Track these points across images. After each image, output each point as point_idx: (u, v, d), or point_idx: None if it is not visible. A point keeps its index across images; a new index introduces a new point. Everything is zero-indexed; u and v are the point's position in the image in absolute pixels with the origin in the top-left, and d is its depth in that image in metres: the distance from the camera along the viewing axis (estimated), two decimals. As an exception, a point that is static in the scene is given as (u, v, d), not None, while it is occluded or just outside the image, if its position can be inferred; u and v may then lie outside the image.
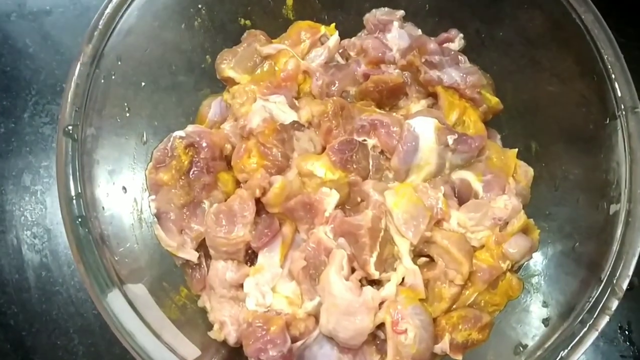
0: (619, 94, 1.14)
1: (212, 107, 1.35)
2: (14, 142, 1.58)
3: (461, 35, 1.37)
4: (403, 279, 1.16)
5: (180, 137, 1.21)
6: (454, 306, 1.19)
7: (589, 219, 1.18)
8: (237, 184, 1.26)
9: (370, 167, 1.25)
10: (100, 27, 1.12)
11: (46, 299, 1.47)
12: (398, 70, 1.34)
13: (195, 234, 1.21)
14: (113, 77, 1.15)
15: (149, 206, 1.20)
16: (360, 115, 1.27)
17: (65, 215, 1.04)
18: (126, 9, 1.15)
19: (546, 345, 1.08)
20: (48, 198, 1.54)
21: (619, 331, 1.41)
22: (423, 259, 1.22)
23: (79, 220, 1.04)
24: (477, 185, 1.25)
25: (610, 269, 1.06)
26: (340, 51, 1.41)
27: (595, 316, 1.04)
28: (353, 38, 1.41)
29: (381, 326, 1.13)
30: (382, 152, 1.26)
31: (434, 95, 1.32)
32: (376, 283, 1.17)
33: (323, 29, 1.38)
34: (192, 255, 1.20)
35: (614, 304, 1.03)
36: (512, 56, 1.35)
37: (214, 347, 1.17)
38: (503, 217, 1.20)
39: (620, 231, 1.09)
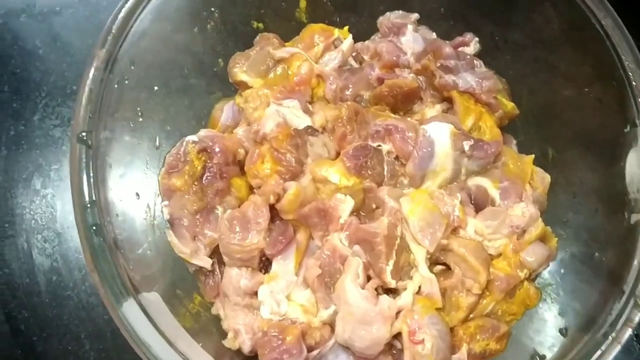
0: (640, 101, 1.12)
1: (225, 111, 1.34)
2: (24, 144, 1.56)
3: (476, 39, 1.35)
4: (419, 287, 1.14)
5: (193, 142, 1.20)
6: (471, 315, 1.18)
7: (609, 228, 1.17)
8: (251, 189, 1.24)
9: (385, 173, 1.24)
10: (113, 31, 1.11)
11: (57, 304, 1.46)
12: (413, 74, 1.32)
13: (209, 240, 1.20)
14: (126, 81, 1.13)
15: (162, 212, 1.18)
16: (374, 120, 1.26)
17: (80, 224, 1.02)
18: (140, 13, 1.13)
19: (567, 358, 1.06)
20: (58, 201, 1.53)
21: (635, 339, 1.39)
22: (439, 267, 1.21)
23: (94, 228, 1.02)
24: (494, 192, 1.24)
25: (633, 281, 1.04)
26: (353, 54, 1.39)
27: (618, 329, 1.02)
28: (367, 41, 1.40)
29: (397, 336, 1.12)
30: (396, 157, 1.25)
31: (448, 100, 1.30)
32: (392, 291, 1.15)
33: (337, 32, 1.36)
34: (206, 262, 1.19)
35: (637, 316, 1.02)
36: (528, 60, 1.33)
37: (228, 356, 1.16)
38: (521, 225, 1.18)
39: (642, 242, 1.07)
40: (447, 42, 1.32)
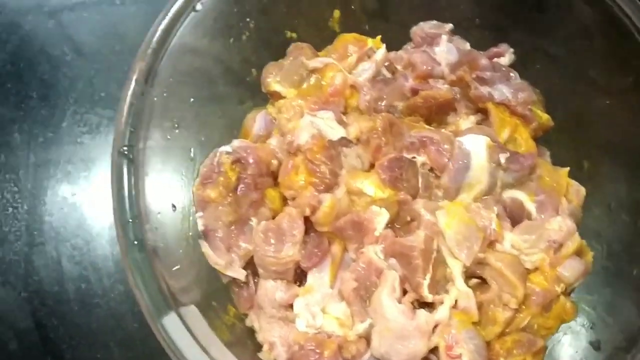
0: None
1: (257, 121, 1.33)
2: (52, 151, 1.57)
3: (511, 50, 1.34)
4: (456, 301, 1.14)
5: (227, 153, 1.20)
6: (507, 330, 1.17)
7: (648, 243, 1.16)
8: (284, 200, 1.24)
9: (420, 185, 1.23)
10: (154, 44, 1.10)
11: (86, 312, 1.46)
12: (447, 85, 1.31)
13: (244, 252, 1.19)
14: (165, 94, 1.13)
15: (197, 223, 1.18)
16: (409, 131, 1.25)
17: (122, 239, 1.02)
18: (179, 26, 1.13)
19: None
20: (87, 209, 1.53)
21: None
22: (474, 280, 1.20)
23: (136, 243, 1.02)
24: (530, 206, 1.23)
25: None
26: (385, 64, 1.38)
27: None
28: (400, 51, 1.38)
29: (434, 350, 1.11)
30: (431, 169, 1.24)
31: (482, 111, 1.30)
32: (427, 305, 1.15)
33: (370, 42, 1.35)
34: (240, 274, 1.19)
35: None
36: (562, 71, 1.32)
37: (264, 369, 1.16)
38: (558, 240, 1.17)
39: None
40: (482, 53, 1.31)
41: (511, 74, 1.31)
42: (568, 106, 1.33)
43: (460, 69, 1.28)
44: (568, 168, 1.28)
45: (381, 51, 1.35)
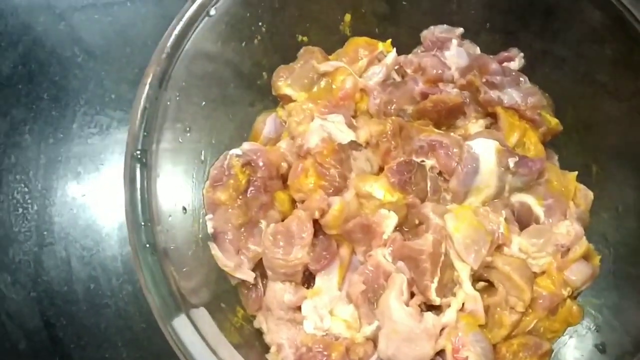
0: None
1: (267, 124, 1.34)
2: (62, 152, 1.58)
3: (521, 54, 1.35)
4: (463, 304, 1.14)
5: (237, 156, 1.20)
6: (514, 333, 1.17)
7: (654, 246, 1.16)
8: (293, 203, 1.24)
9: (428, 188, 1.23)
10: (168, 49, 1.11)
11: (95, 312, 1.47)
12: (457, 89, 1.32)
13: (253, 254, 1.20)
14: (177, 98, 1.14)
15: (207, 226, 1.19)
16: (418, 135, 1.26)
17: (135, 243, 1.03)
18: (194, 31, 1.14)
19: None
20: (97, 209, 1.53)
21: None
22: (482, 284, 1.20)
23: (148, 246, 1.03)
24: (538, 210, 1.23)
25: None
26: (395, 68, 1.38)
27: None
28: (410, 55, 1.39)
29: (440, 352, 1.11)
30: (440, 173, 1.24)
31: (491, 115, 1.30)
32: (434, 308, 1.15)
33: (380, 45, 1.36)
34: (249, 276, 1.19)
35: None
36: (570, 74, 1.32)
37: (272, 370, 1.17)
38: (566, 244, 1.18)
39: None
40: (492, 57, 1.32)
41: (521, 79, 1.31)
42: (577, 110, 1.33)
43: (470, 73, 1.29)
44: (576, 172, 1.28)
45: (391, 55, 1.36)
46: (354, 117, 1.30)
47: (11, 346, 1.45)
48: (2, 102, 1.63)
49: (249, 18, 1.25)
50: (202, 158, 1.23)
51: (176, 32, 1.12)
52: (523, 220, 1.24)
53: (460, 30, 1.37)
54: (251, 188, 1.21)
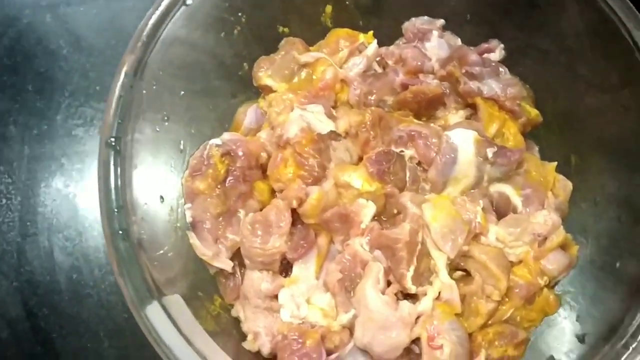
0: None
1: (248, 115, 1.34)
2: (46, 144, 1.58)
3: (502, 45, 1.35)
4: (439, 293, 1.15)
5: (217, 146, 1.20)
6: (490, 322, 1.17)
7: (630, 236, 1.17)
8: (273, 193, 1.24)
9: (407, 178, 1.24)
10: (144, 37, 1.11)
11: (77, 302, 1.47)
12: (437, 80, 1.32)
13: (231, 243, 1.20)
14: (154, 87, 1.14)
15: (185, 215, 1.19)
16: (398, 125, 1.26)
17: (107, 229, 1.03)
18: (170, 20, 1.14)
19: (586, 367, 1.06)
20: (80, 201, 1.54)
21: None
22: (459, 273, 1.21)
23: (120, 232, 1.03)
24: (516, 200, 1.23)
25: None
26: (377, 59, 1.39)
27: (639, 340, 1.02)
28: (391, 46, 1.39)
29: (416, 340, 1.12)
30: (419, 163, 1.25)
31: (472, 106, 1.30)
32: (411, 297, 1.15)
33: (362, 37, 1.36)
34: (227, 265, 1.20)
35: (660, 327, 1.02)
36: (551, 66, 1.32)
37: (248, 358, 1.17)
38: (543, 233, 1.18)
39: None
40: (472, 48, 1.32)
41: (501, 69, 1.31)
42: (557, 102, 1.34)
43: (450, 64, 1.29)
44: (555, 163, 1.28)
45: (372, 46, 1.36)
46: (334, 107, 1.31)
47: (-7, 335, 1.46)
48: (-13, 94, 1.63)
49: (227, 8, 1.26)
50: (181, 148, 1.23)
51: (152, 20, 1.13)
52: (501, 210, 1.24)
53: (441, 21, 1.38)
54: (230, 178, 1.21)
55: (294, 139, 1.18)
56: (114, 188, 1.06)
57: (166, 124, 1.19)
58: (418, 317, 1.12)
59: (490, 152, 1.19)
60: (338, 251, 1.20)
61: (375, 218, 1.20)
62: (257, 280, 1.18)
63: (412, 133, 1.24)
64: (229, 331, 1.19)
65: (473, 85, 1.26)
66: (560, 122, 1.34)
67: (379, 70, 1.39)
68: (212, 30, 1.26)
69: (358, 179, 1.18)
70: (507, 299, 1.18)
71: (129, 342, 1.43)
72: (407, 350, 1.13)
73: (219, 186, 1.20)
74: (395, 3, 1.42)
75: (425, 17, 1.39)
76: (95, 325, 1.45)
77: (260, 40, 1.35)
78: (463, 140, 1.20)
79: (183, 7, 1.16)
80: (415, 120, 1.29)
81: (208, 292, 1.21)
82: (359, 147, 1.24)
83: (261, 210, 1.21)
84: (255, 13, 1.31)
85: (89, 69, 1.64)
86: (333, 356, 1.12)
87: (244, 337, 1.19)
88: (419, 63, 1.33)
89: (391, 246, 1.13)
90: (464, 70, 1.27)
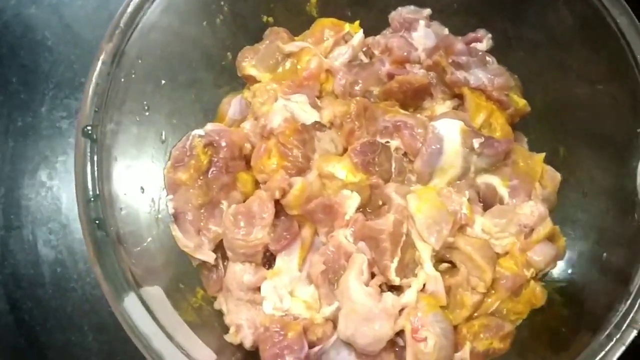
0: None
1: (232, 105, 1.33)
2: (31, 135, 1.56)
3: (489, 35, 1.33)
4: (424, 285, 1.13)
5: (200, 136, 1.19)
6: (476, 314, 1.16)
7: (619, 228, 1.15)
8: (257, 184, 1.23)
9: (393, 169, 1.23)
10: (121, 25, 1.10)
11: (61, 296, 1.46)
12: (423, 70, 1.30)
13: (213, 235, 1.19)
14: (133, 75, 1.13)
15: (167, 206, 1.18)
16: (383, 116, 1.25)
17: (83, 217, 1.02)
18: (148, 7, 1.12)
19: (571, 358, 1.05)
20: (64, 193, 1.52)
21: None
22: (445, 265, 1.19)
23: (97, 222, 1.02)
24: (503, 191, 1.22)
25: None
26: (364, 49, 1.37)
27: (622, 330, 1.00)
28: (377, 36, 1.38)
29: (400, 332, 1.10)
30: (405, 154, 1.24)
31: (459, 97, 1.29)
32: (396, 289, 1.14)
33: (347, 26, 1.35)
34: (209, 257, 1.18)
35: (643, 318, 1.00)
36: (541, 57, 1.31)
37: (230, 351, 1.16)
38: (529, 224, 1.17)
39: (652, 243, 1.06)
40: (459, 37, 1.31)
41: (488, 59, 1.30)
42: (547, 93, 1.33)
43: (437, 53, 1.27)
44: (544, 154, 1.27)
45: (358, 36, 1.35)
46: (320, 97, 1.29)
47: (-23, 329, 1.45)
48: (-29, 86, 1.62)
49: (208, -3, 1.25)
50: (163, 138, 1.22)
51: (130, 8, 1.11)
52: (488, 201, 1.23)
53: (428, 11, 1.37)
54: (212, 168, 1.20)
55: (278, 129, 1.17)
56: (90, 176, 1.04)
57: (147, 113, 1.18)
58: (402, 309, 1.11)
59: (476, 142, 1.18)
60: (322, 243, 1.19)
61: (361, 210, 1.18)
62: (240, 273, 1.17)
63: (398, 123, 1.23)
64: (212, 324, 1.18)
65: (460, 75, 1.25)
66: (549, 113, 1.33)
67: (366, 60, 1.37)
68: (193, 18, 1.24)
69: (342, 169, 1.17)
70: (492, 291, 1.16)
71: (112, 336, 1.42)
72: (392, 343, 1.12)
73: (201, 177, 1.19)
74: (383, -7, 1.40)
75: (412, 7, 1.37)
76: (79, 318, 1.44)
77: (244, 29, 1.33)
78: (449, 131, 1.19)
79: (162, -5, 1.14)
80: (401, 111, 1.28)
81: (190, 284, 1.20)
82: (344, 138, 1.23)
83: (244, 201, 1.20)
84: (239, 2, 1.29)
85: (74, 60, 1.63)
86: (316, 348, 1.11)
87: (227, 329, 1.18)
88: (405, 53, 1.31)
89: (375, 237, 1.12)
90: (450, 60, 1.26)
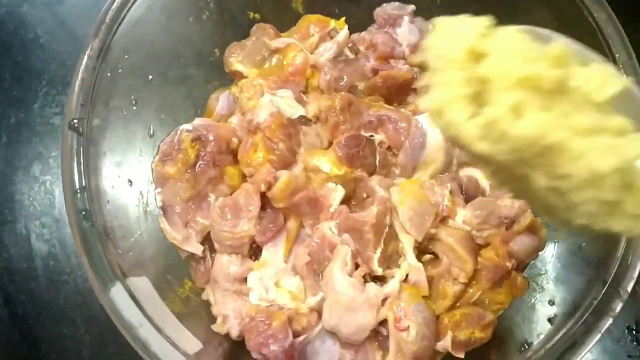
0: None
1: (220, 101, 1.35)
2: (24, 132, 1.58)
3: (472, 31, 1.35)
4: (407, 275, 1.16)
5: (187, 131, 1.21)
6: (458, 304, 1.18)
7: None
8: (244, 178, 1.25)
9: (377, 162, 1.25)
10: (107, 21, 1.12)
11: (54, 289, 1.47)
12: (407, 65, 1.32)
13: (201, 227, 1.21)
14: (120, 70, 1.14)
15: (155, 199, 1.20)
16: (368, 110, 1.27)
17: (70, 209, 1.04)
18: (134, 2, 1.14)
19: (548, 345, 1.07)
20: (57, 188, 1.54)
21: (626, 331, 1.39)
22: (427, 256, 1.21)
23: (83, 213, 1.04)
24: (485, 183, 1.24)
25: (615, 271, 1.05)
26: (349, 45, 1.39)
27: (598, 317, 1.03)
28: (363, 32, 1.39)
29: (384, 322, 1.13)
30: (389, 147, 1.26)
31: (442, 91, 1.30)
32: (379, 279, 1.17)
33: (333, 22, 1.37)
34: (197, 249, 1.21)
35: (618, 306, 1.02)
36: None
37: (217, 341, 1.18)
38: (510, 216, 1.19)
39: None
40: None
41: (470, 55, 1.31)
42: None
43: (420, 49, 1.29)
44: (525, 148, 1.28)
45: (343, 32, 1.36)
46: (305, 93, 1.31)
47: (-29, 322, 1.46)
48: (-36, 83, 1.63)
49: (194, -7, 1.27)
50: (151, 132, 1.24)
51: (115, 4, 1.13)
52: (470, 193, 1.25)
53: (412, 7, 1.38)
54: (200, 162, 1.22)
55: (264, 123, 1.19)
56: (77, 169, 1.06)
57: (135, 108, 1.20)
58: (385, 299, 1.13)
59: (459, 136, 1.19)
60: (307, 235, 1.21)
61: (345, 203, 1.20)
62: (226, 264, 1.19)
63: (382, 118, 1.25)
64: (199, 314, 1.21)
65: (443, 70, 1.26)
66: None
67: (351, 56, 1.39)
68: (179, 14, 1.26)
69: (327, 163, 1.19)
70: (474, 282, 1.18)
71: (104, 328, 1.43)
72: (375, 332, 1.15)
73: (189, 171, 1.21)
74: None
75: (397, 3, 1.39)
76: (72, 311, 1.46)
77: (232, 26, 1.35)
78: (432, 125, 1.20)
79: (148, -10, 1.16)
80: (385, 105, 1.30)
81: (178, 275, 1.22)
82: (329, 132, 1.25)
83: (232, 194, 1.22)
84: (224, -1, 1.31)
85: (66, 57, 1.64)
86: (301, 338, 1.12)
87: (213, 320, 1.20)
88: (390, 48, 1.33)
89: (359, 229, 1.14)
90: (433, 56, 1.27)
